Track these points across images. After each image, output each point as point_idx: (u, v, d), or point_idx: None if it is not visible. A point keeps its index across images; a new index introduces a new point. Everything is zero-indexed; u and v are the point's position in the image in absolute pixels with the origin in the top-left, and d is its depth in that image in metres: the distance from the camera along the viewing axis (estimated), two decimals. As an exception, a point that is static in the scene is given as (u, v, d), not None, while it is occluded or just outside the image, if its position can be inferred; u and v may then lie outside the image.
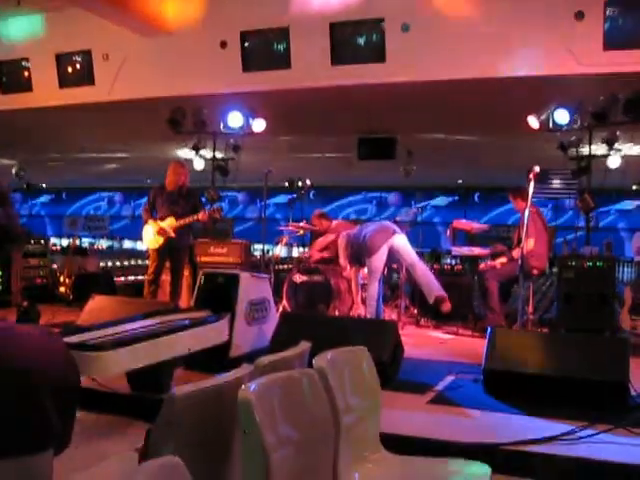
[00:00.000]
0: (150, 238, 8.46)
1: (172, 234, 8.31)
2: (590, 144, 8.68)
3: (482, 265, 8.99)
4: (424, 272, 8.42)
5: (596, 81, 8.51)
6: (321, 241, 9.87)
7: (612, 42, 8.37)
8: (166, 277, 8.67)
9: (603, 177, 8.65)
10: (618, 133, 8.74)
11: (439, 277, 9.99)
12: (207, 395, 2.48)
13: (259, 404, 2.29)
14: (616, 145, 8.86)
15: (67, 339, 4.39)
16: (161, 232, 8.35)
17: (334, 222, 10.05)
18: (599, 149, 9.01)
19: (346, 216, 24.22)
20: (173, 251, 8.46)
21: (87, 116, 12.28)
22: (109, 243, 26.08)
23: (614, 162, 9.46)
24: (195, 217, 8.25)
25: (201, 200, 8.82)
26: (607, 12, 8.43)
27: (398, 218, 12.27)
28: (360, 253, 8.40)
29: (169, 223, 8.33)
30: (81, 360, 4.09)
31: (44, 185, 26.95)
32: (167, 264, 8.56)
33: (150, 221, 8.48)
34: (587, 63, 8.44)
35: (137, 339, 4.64)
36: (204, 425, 2.44)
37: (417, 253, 9.65)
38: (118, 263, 15.84)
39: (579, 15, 8.44)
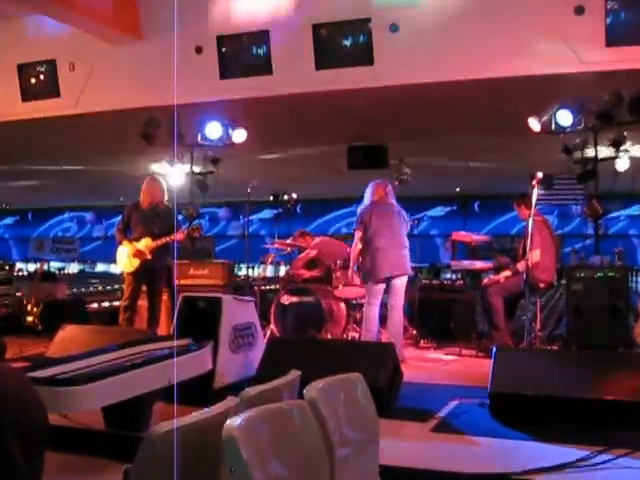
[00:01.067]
0: (125, 260, 8.43)
1: (148, 256, 8.29)
2: (596, 146, 8.72)
3: (485, 280, 9.00)
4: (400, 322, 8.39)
5: (599, 79, 8.56)
6: (302, 257, 9.89)
7: (614, 38, 8.44)
8: (143, 302, 8.64)
9: (611, 181, 8.68)
10: (625, 134, 8.79)
11: (439, 293, 10.04)
12: (189, 431, 2.46)
13: (246, 440, 2.27)
14: (624, 147, 8.90)
15: (36, 373, 4.37)
16: (137, 254, 8.33)
17: (317, 238, 10.12)
18: (606, 151, 9.04)
19: (337, 231, 24.28)
20: (150, 274, 8.43)
21: (52, 131, 12.25)
22: (80, 267, 26.04)
23: (622, 165, 9.52)
24: (172, 237, 8.24)
25: (177, 219, 8.83)
26: (608, 6, 8.51)
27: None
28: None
29: (145, 244, 8.32)
30: (52, 396, 4.07)
31: (7, 206, 26.89)
32: (144, 288, 8.53)
33: (124, 242, 8.46)
34: (589, 60, 8.50)
35: (112, 372, 4.62)
36: (186, 465, 2.42)
37: (414, 268, 9.69)
38: (90, 289, 15.80)
39: (579, 10, 8.52)
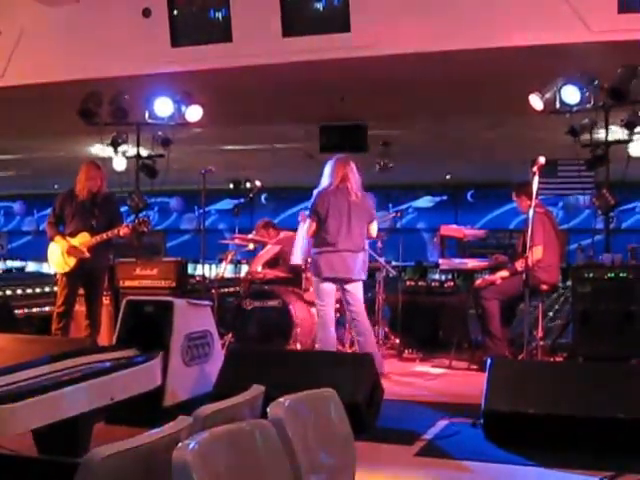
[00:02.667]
0: (58, 259, 8.38)
1: (86, 254, 8.23)
2: (607, 127, 8.78)
3: (479, 281, 9.05)
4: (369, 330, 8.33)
5: (610, 50, 8.63)
6: (262, 255, 9.90)
7: (628, 3, 8.50)
8: (81, 308, 8.60)
9: (624, 167, 8.76)
10: (640, 113, 8.87)
11: (426, 297, 10.09)
12: (135, 457, 2.46)
13: (200, 466, 2.27)
14: (638, 128, 8.97)
15: (-46, 391, 4.33)
16: (72, 251, 8.27)
17: (282, 233, 10.12)
18: (618, 133, 9.12)
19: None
20: (88, 275, 8.39)
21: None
22: (7, 266, 25.79)
23: (637, 149, 9.59)
24: (115, 232, 8.19)
25: (120, 210, 8.76)
26: (620, -35, 8.56)
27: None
28: None
29: (82, 240, 8.26)
30: (-27, 417, 4.04)
31: None
32: (81, 291, 8.49)
33: (57, 238, 8.39)
34: (599, 29, 8.55)
35: (45, 388, 4.59)
36: (131, 495, 2.43)
37: (397, 267, 9.72)
38: (19, 291, 15.64)
39: (587, -30, 8.57)
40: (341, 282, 8.07)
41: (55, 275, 8.80)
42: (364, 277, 8.26)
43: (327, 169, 8.29)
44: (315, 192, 8.30)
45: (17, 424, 4.36)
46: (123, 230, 8.21)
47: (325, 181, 8.24)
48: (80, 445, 4.87)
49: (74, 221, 8.38)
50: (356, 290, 8.12)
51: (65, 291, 8.38)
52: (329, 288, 8.12)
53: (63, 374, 5.13)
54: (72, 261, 8.28)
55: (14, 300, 12.86)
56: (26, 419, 4.39)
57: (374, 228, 8.32)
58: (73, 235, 8.32)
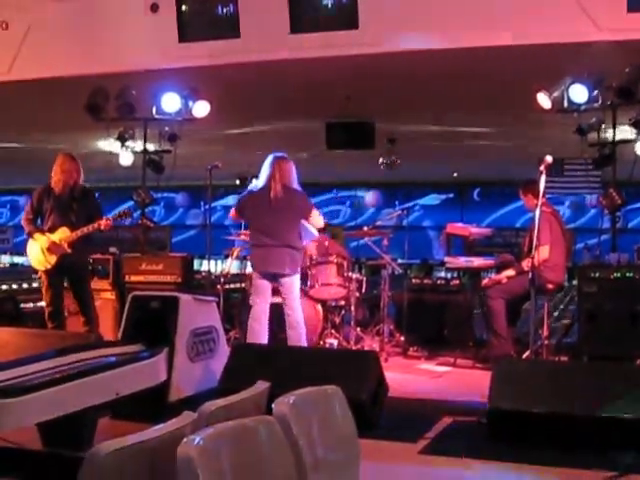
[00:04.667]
0: (38, 257, 8.24)
1: (67, 249, 8.12)
2: (614, 127, 8.77)
3: (484, 280, 9.05)
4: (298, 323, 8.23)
5: (619, 49, 8.60)
6: None
7: (637, 2, 8.47)
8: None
9: (631, 167, 8.74)
10: (648, 113, 8.85)
11: (431, 295, 10.08)
12: (139, 452, 2.46)
13: (204, 462, 2.27)
14: (646, 127, 8.96)
15: (-40, 384, 4.33)
16: (52, 248, 8.14)
17: None
18: (625, 132, 9.10)
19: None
20: (70, 271, 8.31)
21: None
22: (12, 259, 25.79)
23: (644, 148, 9.58)
24: (95, 225, 8.09)
25: (99, 203, 8.70)
26: (630, -37, 8.53)
27: (378, 222, 12.31)
28: None
29: (62, 235, 8.14)
30: (-22, 411, 4.05)
31: None
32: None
33: (36, 235, 8.25)
34: (607, 28, 8.53)
35: (50, 382, 4.59)
36: (135, 490, 2.43)
37: (402, 265, 9.71)
38: (25, 285, 15.66)
39: (596, -32, 8.55)
40: (274, 277, 8.07)
41: (37, 272, 8.67)
42: (295, 272, 8.12)
43: (264, 167, 8.25)
44: (249, 187, 8.42)
45: (22, 418, 4.37)
46: (104, 223, 8.06)
47: (260, 181, 8.19)
48: (85, 440, 4.88)
49: (52, 216, 8.23)
50: (288, 284, 8.06)
51: (50, 290, 8.26)
52: (263, 282, 8.10)
53: (68, 368, 5.13)
54: (53, 258, 8.15)
55: (20, 294, 12.89)
56: (31, 413, 4.40)
57: (315, 220, 8.21)
58: (52, 231, 8.18)
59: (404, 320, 9.65)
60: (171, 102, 9.95)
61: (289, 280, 8.02)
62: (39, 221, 8.39)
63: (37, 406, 4.38)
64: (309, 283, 9.22)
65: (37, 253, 8.25)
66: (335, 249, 9.67)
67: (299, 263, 8.19)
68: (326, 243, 9.56)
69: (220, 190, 21.91)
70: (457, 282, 10.49)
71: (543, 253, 7.92)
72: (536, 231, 7.09)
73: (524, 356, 7.73)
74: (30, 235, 8.34)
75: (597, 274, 7.86)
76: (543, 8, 8.76)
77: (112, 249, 10.53)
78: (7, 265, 24.71)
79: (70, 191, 8.29)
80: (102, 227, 8.10)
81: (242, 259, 11.16)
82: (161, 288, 8.61)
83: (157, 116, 10.08)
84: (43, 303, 8.67)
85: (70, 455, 4.63)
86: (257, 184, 8.18)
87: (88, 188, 8.57)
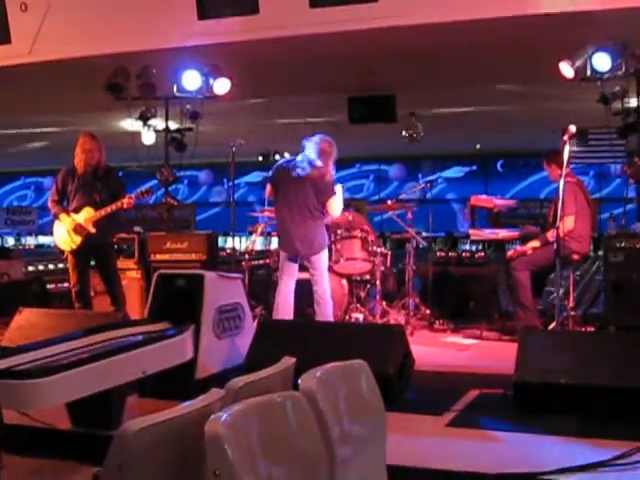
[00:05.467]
0: (64, 238, 8.34)
1: (92, 229, 8.19)
2: (638, 95, 8.70)
3: (510, 251, 9.02)
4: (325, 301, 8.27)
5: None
6: None
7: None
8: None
9: (656, 135, 8.67)
10: (673, 79, 8.76)
11: (456, 267, 10.07)
12: (168, 429, 2.49)
13: (232, 438, 2.29)
14: (671, 95, 8.87)
15: (-11, 365, 4.38)
16: (77, 229, 8.23)
17: None
18: (650, 101, 9.02)
19: (337, 196, 24.24)
20: (96, 251, 8.40)
21: (2, 83, 12.19)
22: (38, 241, 25.95)
23: (669, 116, 9.49)
24: (118, 204, 8.14)
25: (122, 182, 8.75)
26: None
27: (402, 196, 12.27)
28: None
29: (86, 216, 8.21)
30: (7, 391, 4.10)
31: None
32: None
33: (62, 215, 8.33)
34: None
35: (78, 362, 4.64)
36: (164, 467, 2.45)
37: (427, 238, 9.69)
38: (51, 266, 15.75)
39: None
40: (300, 254, 8.12)
41: (63, 253, 8.77)
42: (321, 249, 8.19)
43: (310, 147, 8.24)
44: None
45: (51, 398, 4.41)
46: (126, 202, 8.13)
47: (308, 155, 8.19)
48: (113, 418, 4.93)
49: (77, 197, 8.31)
50: (315, 261, 8.12)
51: (77, 270, 8.37)
52: (290, 264, 8.18)
53: (96, 348, 5.18)
54: (78, 239, 8.23)
55: (46, 275, 12.98)
56: (60, 393, 4.44)
57: (332, 207, 8.19)
58: (77, 211, 8.27)
59: (429, 293, 9.66)
60: (192, 80, 9.95)
61: (316, 257, 8.05)
62: (65, 202, 8.46)
63: (66, 386, 4.43)
64: (334, 258, 9.22)
65: (63, 234, 8.33)
66: (359, 223, 9.66)
67: (325, 240, 8.21)
68: (350, 217, 9.55)
69: (243, 167, 21.91)
70: (482, 254, 10.47)
71: (568, 224, 7.88)
72: (561, 202, 7.06)
73: (550, 327, 7.72)
74: (56, 216, 8.42)
75: (623, 244, 7.81)
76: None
77: (137, 228, 10.59)
78: (32, 247, 24.85)
79: (93, 171, 8.34)
80: (124, 206, 8.17)
81: (266, 235, 11.19)
82: (186, 266, 8.64)
83: (178, 94, 10.08)
84: (68, 284, 8.74)
85: (99, 434, 4.69)
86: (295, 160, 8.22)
87: (112, 169, 8.61)
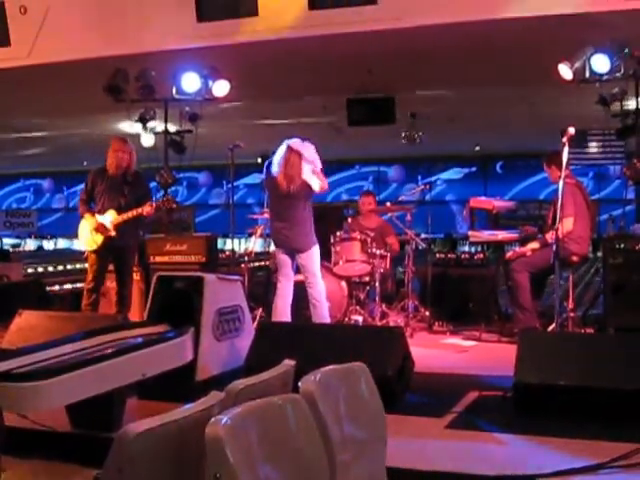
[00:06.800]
0: (87, 237, 8.42)
1: (112, 232, 8.27)
2: (637, 96, 8.70)
3: (509, 253, 9.02)
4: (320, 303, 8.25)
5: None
6: None
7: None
8: (112, 284, 8.67)
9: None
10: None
11: (455, 269, 10.06)
12: (167, 432, 2.49)
13: (232, 441, 2.29)
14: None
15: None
16: (99, 229, 8.30)
17: None
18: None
19: (336, 197, 24.26)
20: (116, 252, 8.44)
21: (1, 85, 12.20)
22: (37, 243, 25.99)
23: (668, 117, 9.50)
24: (140, 210, 8.20)
25: (149, 188, 8.79)
26: None
27: (401, 197, 12.27)
28: None
29: (109, 218, 8.28)
30: (7, 393, 4.10)
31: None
32: (111, 267, 8.55)
33: (87, 215, 8.43)
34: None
35: (78, 364, 4.64)
36: (164, 470, 2.45)
37: (426, 240, 9.69)
38: (50, 268, 15.79)
39: None
40: (292, 252, 8.12)
41: (84, 252, 8.86)
42: (309, 248, 8.13)
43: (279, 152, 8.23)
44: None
45: (51, 400, 4.41)
46: (146, 209, 8.18)
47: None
48: (113, 421, 4.93)
49: (103, 198, 8.40)
50: (305, 261, 8.11)
51: (94, 268, 8.45)
52: (284, 259, 8.17)
53: (96, 350, 5.18)
54: (99, 239, 8.32)
55: (46, 277, 12.99)
56: (60, 395, 4.44)
57: (314, 182, 8.07)
58: (102, 213, 8.35)
59: (429, 295, 9.64)
60: (191, 82, 9.95)
61: (306, 256, 8.05)
62: (92, 203, 8.59)
63: (65, 388, 4.43)
64: (333, 260, 9.22)
65: (86, 233, 8.44)
66: (387, 233, 9.79)
67: (312, 239, 8.18)
68: (349, 220, 9.57)
69: (242, 169, 21.93)
70: (481, 256, 10.47)
71: (567, 225, 7.88)
72: (560, 203, 7.06)
73: (549, 329, 7.71)
74: (81, 216, 8.52)
75: (622, 245, 7.82)
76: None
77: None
78: (32, 249, 24.88)
79: (123, 174, 8.44)
80: (144, 213, 8.22)
81: (266, 237, 11.17)
82: (186, 268, 8.66)
83: (177, 96, 10.09)
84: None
85: (100, 436, 4.69)
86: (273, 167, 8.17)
87: (140, 172, 8.67)
